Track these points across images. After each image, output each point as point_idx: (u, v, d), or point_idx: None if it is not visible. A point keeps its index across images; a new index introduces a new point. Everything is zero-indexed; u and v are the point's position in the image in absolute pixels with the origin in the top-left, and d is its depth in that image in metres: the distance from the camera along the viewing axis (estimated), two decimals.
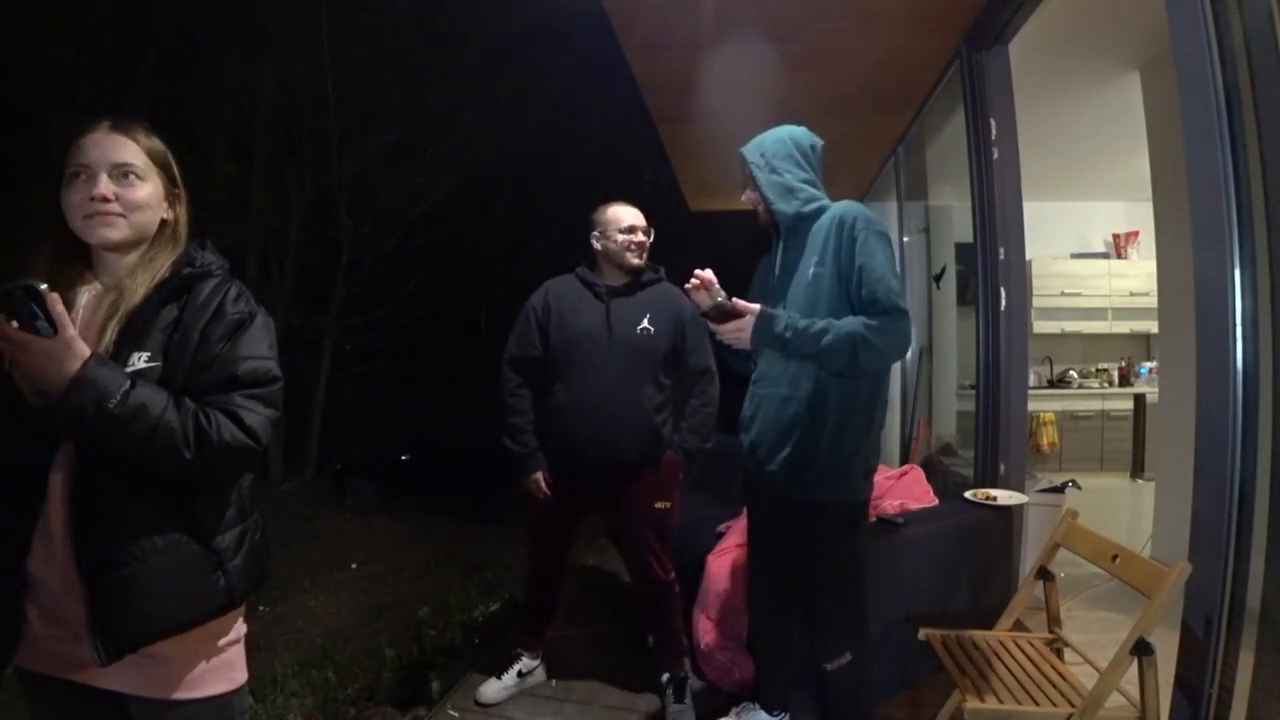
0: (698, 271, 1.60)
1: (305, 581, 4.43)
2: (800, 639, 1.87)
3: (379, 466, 7.97)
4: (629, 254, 2.11)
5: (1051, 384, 5.64)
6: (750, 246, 1.96)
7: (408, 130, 8.00)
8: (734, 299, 1.56)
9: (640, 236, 2.12)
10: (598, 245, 2.14)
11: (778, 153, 1.70)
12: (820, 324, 1.52)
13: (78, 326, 0.94)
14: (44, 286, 0.86)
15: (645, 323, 2.09)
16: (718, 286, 1.61)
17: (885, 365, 1.59)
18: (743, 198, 1.78)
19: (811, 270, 1.63)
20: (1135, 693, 1.46)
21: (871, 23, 2.78)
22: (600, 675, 2.37)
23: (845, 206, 1.63)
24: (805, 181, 1.69)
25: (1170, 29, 1.51)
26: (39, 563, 0.94)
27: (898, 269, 1.60)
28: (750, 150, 1.74)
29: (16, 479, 0.94)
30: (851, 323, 1.51)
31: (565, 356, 2.09)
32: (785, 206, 1.68)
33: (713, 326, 1.58)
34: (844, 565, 1.70)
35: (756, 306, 1.53)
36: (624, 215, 2.12)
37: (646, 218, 2.16)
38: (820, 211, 1.67)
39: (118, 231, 1.00)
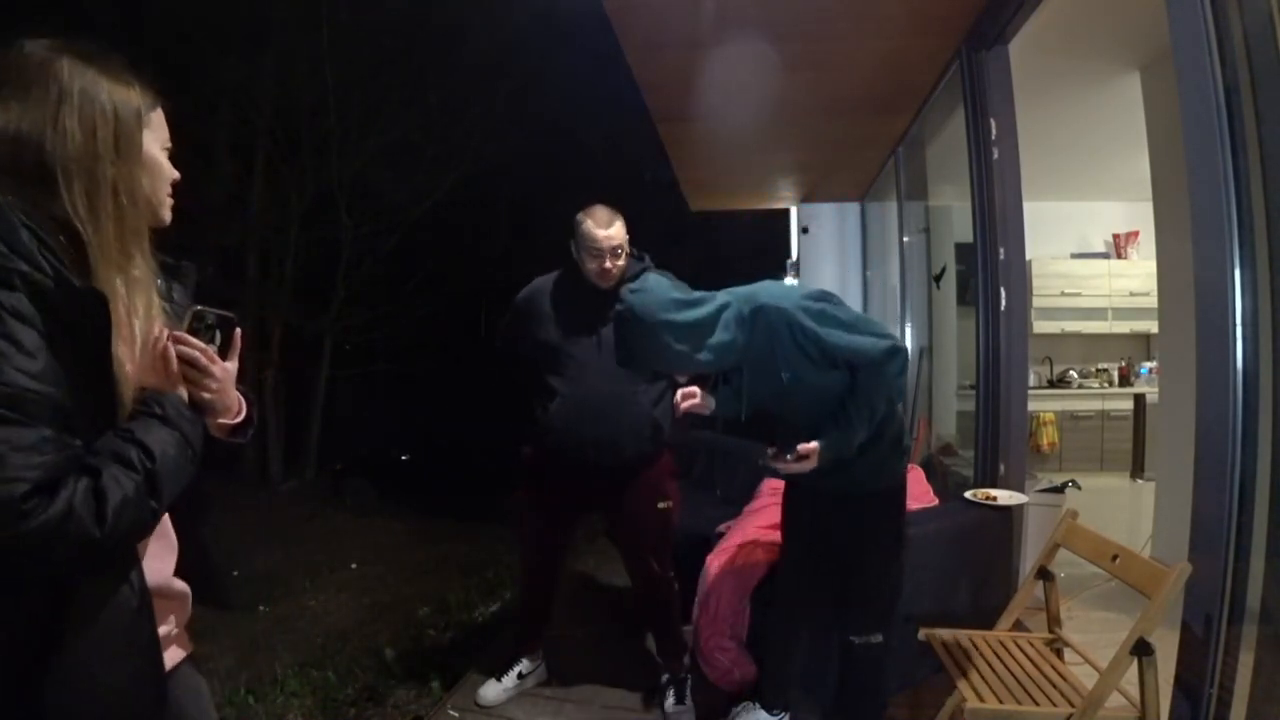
0: (682, 394, 1.73)
1: (305, 581, 4.44)
2: (809, 639, 1.89)
3: (379, 466, 7.98)
4: (598, 278, 2.03)
5: (1051, 384, 5.63)
6: (751, 250, 1.95)
7: (408, 130, 8.00)
8: (800, 445, 1.59)
9: (606, 263, 1.99)
10: (575, 254, 2.07)
11: (652, 334, 1.47)
12: (847, 423, 1.60)
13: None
14: (233, 316, 0.90)
15: None
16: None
17: (894, 388, 1.66)
18: (683, 381, 1.80)
19: (786, 376, 1.59)
20: (1135, 693, 1.46)
21: (871, 23, 2.77)
22: (600, 675, 2.37)
23: (761, 306, 1.56)
24: (693, 324, 1.49)
25: (1170, 29, 1.51)
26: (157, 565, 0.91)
27: (854, 317, 1.62)
28: (641, 360, 1.56)
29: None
30: (859, 393, 1.60)
31: (556, 359, 2.07)
32: (717, 359, 1.56)
33: (782, 467, 1.63)
34: (891, 545, 1.80)
35: (815, 445, 1.58)
36: (594, 238, 1.97)
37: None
38: (734, 317, 1.55)
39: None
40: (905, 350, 1.63)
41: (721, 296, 1.59)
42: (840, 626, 1.84)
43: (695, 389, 1.74)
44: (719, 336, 1.53)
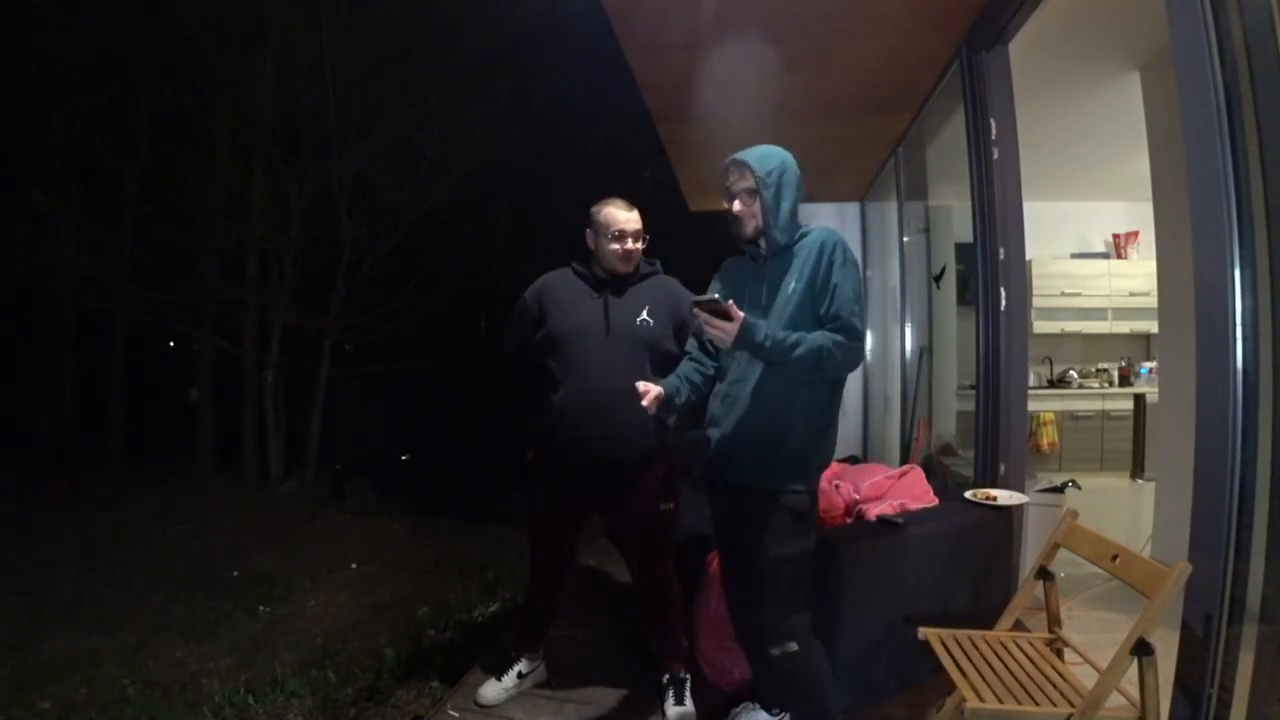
0: (644, 386, 1.71)
1: (305, 581, 4.43)
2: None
3: (379, 466, 7.98)
4: (617, 261, 2.08)
5: (1051, 384, 5.63)
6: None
7: (408, 130, 8.00)
8: (730, 301, 1.60)
9: (630, 244, 2.07)
10: (590, 244, 2.12)
11: (785, 180, 1.76)
12: (794, 336, 1.65)
13: None
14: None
15: (644, 314, 2.07)
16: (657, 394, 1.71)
17: (840, 375, 1.77)
18: (733, 207, 1.79)
19: (791, 286, 1.76)
20: (1135, 693, 1.46)
21: (871, 23, 2.77)
22: (600, 675, 2.37)
23: (826, 233, 1.79)
24: (796, 213, 1.80)
25: (1170, 29, 1.51)
26: None
27: (863, 296, 1.79)
28: (756, 164, 1.75)
29: None
30: (820, 336, 1.66)
31: (564, 353, 2.07)
32: (781, 236, 1.78)
33: (703, 317, 1.62)
34: (794, 551, 1.77)
35: (741, 314, 1.60)
36: (615, 220, 2.07)
37: (645, 218, 2.14)
38: (802, 236, 1.80)
39: None
40: (864, 346, 1.74)
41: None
42: (755, 638, 1.81)
43: (654, 388, 1.73)
44: (797, 217, 1.79)
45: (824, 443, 1.80)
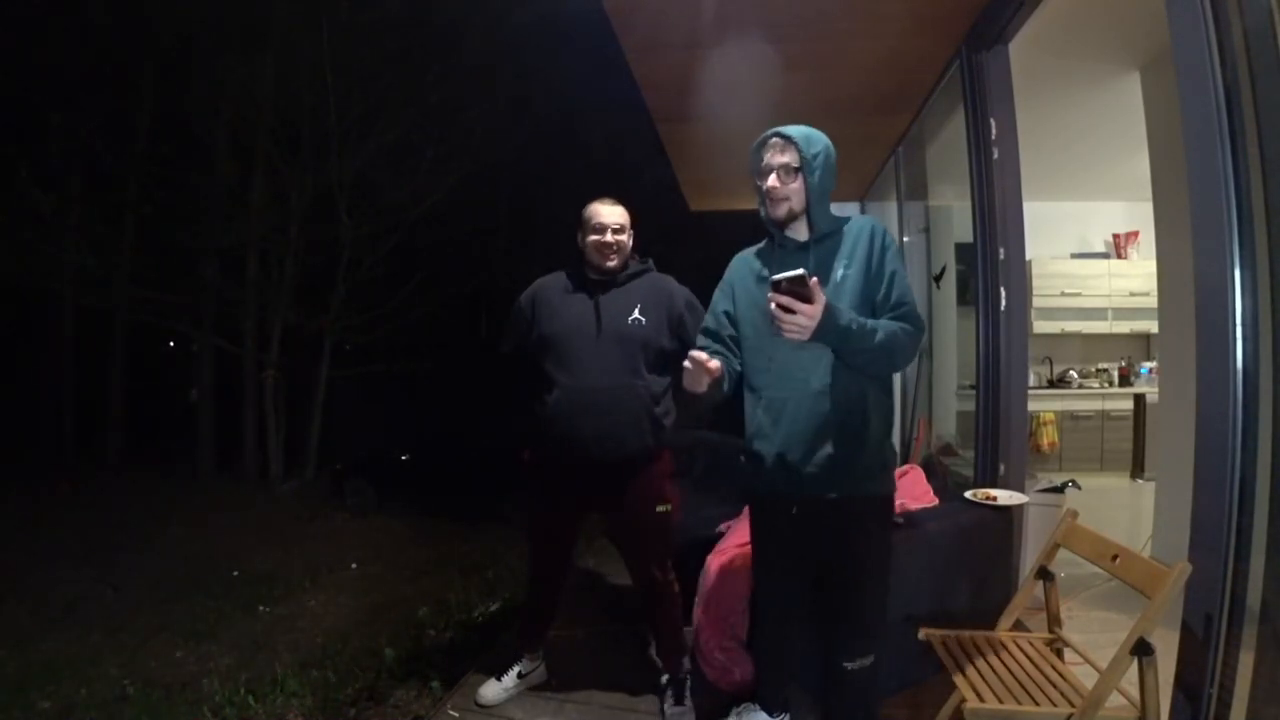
0: (701, 355, 1.54)
1: (305, 581, 4.43)
2: (804, 641, 1.88)
3: (379, 466, 7.97)
4: (598, 254, 2.09)
5: (1051, 384, 5.64)
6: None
7: (408, 130, 7.99)
8: (814, 278, 1.37)
9: (609, 238, 2.07)
10: (580, 244, 2.14)
11: (828, 164, 1.66)
12: (871, 322, 1.52)
13: None
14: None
15: (636, 313, 2.07)
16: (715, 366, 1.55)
17: (907, 365, 1.69)
18: (768, 182, 1.64)
19: (840, 272, 1.65)
20: (1135, 693, 1.46)
21: (871, 23, 2.77)
22: (600, 676, 2.36)
23: (872, 220, 1.72)
24: (833, 157, 1.70)
25: (1170, 29, 1.51)
26: None
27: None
28: (803, 141, 1.62)
29: None
30: (891, 324, 1.56)
31: (556, 353, 2.07)
32: (826, 221, 1.68)
33: (780, 301, 1.36)
34: (882, 559, 1.73)
35: (823, 295, 1.40)
36: (597, 214, 2.09)
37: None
38: (843, 222, 1.71)
39: None
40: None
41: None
42: (830, 651, 1.74)
43: (715, 361, 1.56)
44: (833, 182, 1.68)
45: (891, 439, 1.73)
